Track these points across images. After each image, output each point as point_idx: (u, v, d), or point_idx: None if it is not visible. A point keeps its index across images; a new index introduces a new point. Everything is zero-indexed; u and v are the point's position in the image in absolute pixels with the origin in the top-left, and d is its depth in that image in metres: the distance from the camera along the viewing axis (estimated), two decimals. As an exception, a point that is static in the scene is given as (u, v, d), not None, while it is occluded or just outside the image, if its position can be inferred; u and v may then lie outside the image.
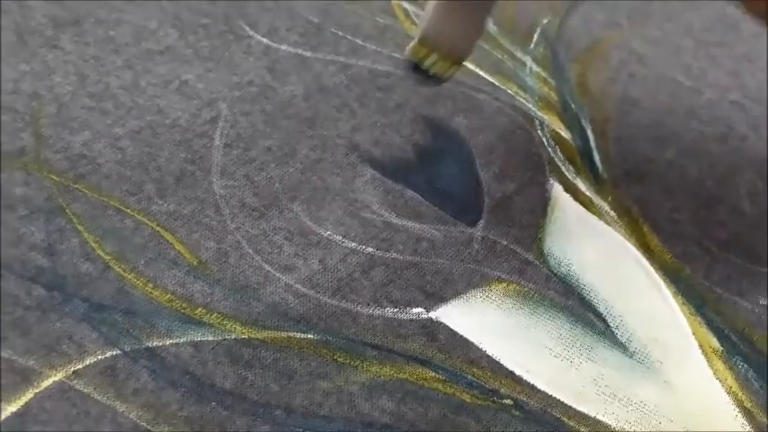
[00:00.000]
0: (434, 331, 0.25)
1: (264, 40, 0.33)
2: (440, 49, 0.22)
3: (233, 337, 0.24)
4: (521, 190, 0.28)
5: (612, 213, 0.28)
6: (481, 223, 0.27)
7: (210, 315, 0.24)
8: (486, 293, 0.26)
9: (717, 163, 0.30)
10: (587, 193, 0.29)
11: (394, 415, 0.23)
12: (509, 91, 0.32)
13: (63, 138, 0.28)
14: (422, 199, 0.28)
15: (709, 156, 0.30)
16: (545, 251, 0.27)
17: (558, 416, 0.23)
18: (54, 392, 0.23)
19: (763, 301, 0.26)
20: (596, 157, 0.30)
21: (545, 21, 0.34)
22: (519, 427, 0.23)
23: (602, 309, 0.26)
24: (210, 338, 0.24)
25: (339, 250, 0.26)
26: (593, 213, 0.28)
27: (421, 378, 0.24)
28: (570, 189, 0.29)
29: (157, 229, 0.26)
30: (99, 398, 0.23)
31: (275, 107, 0.30)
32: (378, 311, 0.25)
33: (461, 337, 0.25)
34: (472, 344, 0.24)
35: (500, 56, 0.33)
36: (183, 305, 0.25)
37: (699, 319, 0.26)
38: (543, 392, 0.24)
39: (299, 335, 0.24)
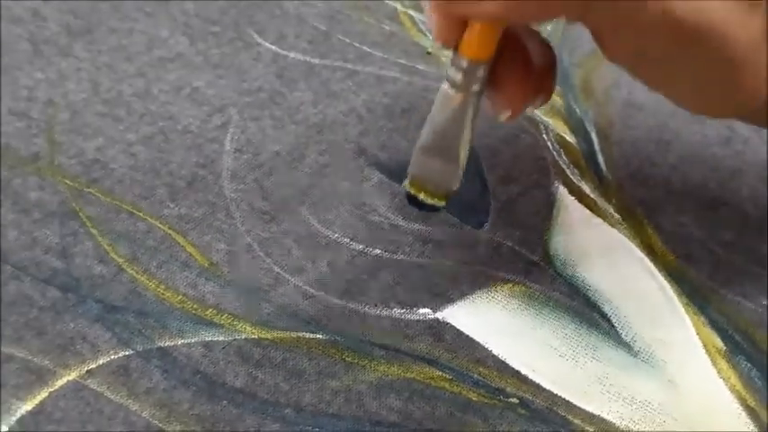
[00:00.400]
0: (441, 331, 0.25)
1: (273, 47, 0.33)
2: (426, 189, 0.25)
3: (243, 337, 0.25)
4: (526, 192, 0.29)
5: (617, 215, 0.28)
6: (487, 225, 0.28)
7: (221, 316, 0.25)
8: (492, 294, 0.26)
9: (720, 165, 0.30)
10: (592, 196, 0.29)
11: (401, 413, 0.23)
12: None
13: (76, 143, 0.29)
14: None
15: (712, 158, 0.30)
16: (550, 253, 0.27)
17: (564, 414, 0.24)
18: (68, 391, 0.23)
19: (765, 302, 0.26)
20: (601, 161, 0.30)
21: (548, 26, 0.34)
22: (524, 425, 0.23)
23: (606, 309, 0.26)
24: (221, 339, 0.24)
25: (347, 252, 0.27)
26: (598, 215, 0.28)
27: (428, 377, 0.24)
28: (575, 192, 0.29)
29: (169, 231, 0.27)
30: (112, 397, 0.23)
31: (284, 113, 0.31)
32: (385, 312, 0.25)
33: (467, 337, 0.25)
34: (478, 344, 0.25)
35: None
36: (195, 306, 0.25)
37: (702, 319, 0.26)
38: (548, 391, 0.24)
39: (308, 335, 0.25)
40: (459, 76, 0.22)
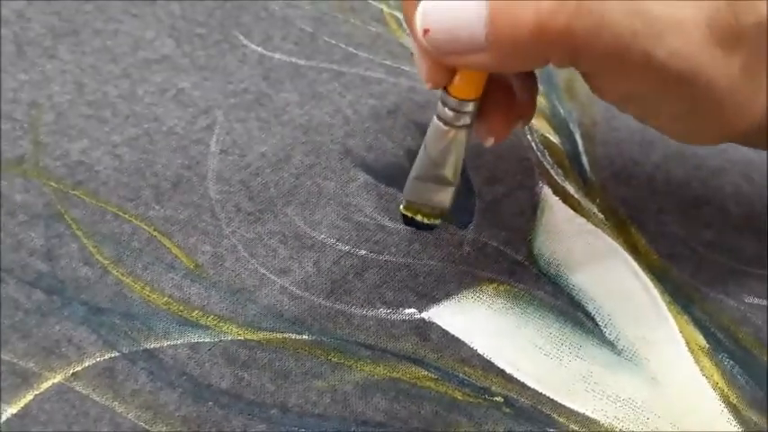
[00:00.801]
0: (427, 331, 0.25)
1: (259, 48, 0.33)
2: (422, 212, 0.26)
3: (229, 338, 0.25)
4: (511, 193, 0.29)
5: (600, 215, 0.29)
6: (472, 226, 0.28)
7: (207, 317, 0.25)
8: (478, 294, 0.26)
9: (702, 165, 0.31)
10: (576, 196, 0.29)
11: (387, 413, 0.23)
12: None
13: (61, 145, 0.29)
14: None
15: (694, 158, 0.31)
16: (535, 252, 0.27)
17: (548, 412, 0.24)
18: (53, 394, 0.23)
19: (748, 299, 0.27)
20: (584, 161, 0.30)
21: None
22: (510, 423, 0.23)
23: (590, 308, 0.26)
24: (207, 340, 0.24)
25: (333, 253, 0.27)
26: (582, 215, 0.29)
27: (414, 377, 0.24)
28: (559, 192, 0.29)
29: (154, 233, 0.27)
30: (98, 399, 0.23)
31: (270, 114, 0.31)
32: (371, 312, 0.26)
33: (453, 336, 0.25)
34: (464, 343, 0.25)
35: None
36: (180, 308, 0.25)
37: (685, 317, 0.26)
38: (533, 390, 0.24)
39: (294, 336, 0.25)
40: (449, 113, 0.23)
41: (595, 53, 0.20)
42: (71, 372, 0.23)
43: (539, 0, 0.19)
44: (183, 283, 0.26)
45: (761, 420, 0.24)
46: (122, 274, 0.26)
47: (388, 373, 0.24)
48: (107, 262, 0.26)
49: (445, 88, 0.23)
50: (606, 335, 0.26)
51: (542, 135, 0.31)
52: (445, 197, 0.26)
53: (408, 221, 0.27)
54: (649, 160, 0.31)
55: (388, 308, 0.26)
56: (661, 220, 0.29)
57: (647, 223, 0.28)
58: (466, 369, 0.24)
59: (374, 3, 0.36)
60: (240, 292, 0.26)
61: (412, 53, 0.23)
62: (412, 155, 0.30)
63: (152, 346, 0.24)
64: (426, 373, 0.24)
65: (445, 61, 0.21)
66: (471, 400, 0.24)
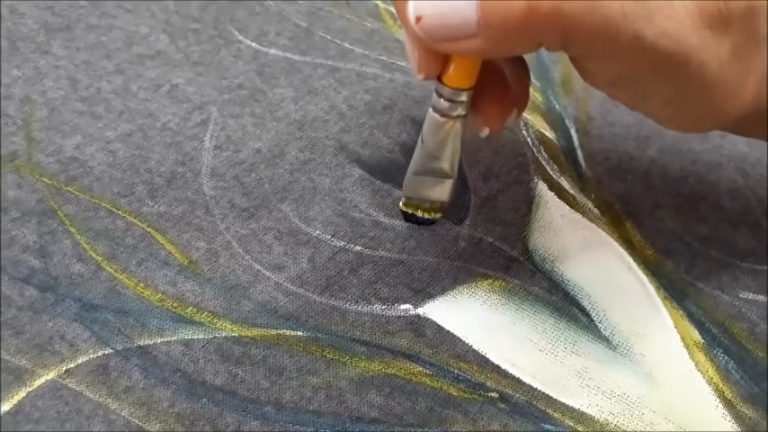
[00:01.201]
0: (422, 327, 0.25)
1: (254, 44, 0.33)
2: (421, 207, 0.26)
3: (223, 334, 0.24)
4: (506, 189, 0.29)
5: (596, 210, 0.29)
6: (467, 221, 0.28)
7: (201, 314, 0.25)
8: (473, 290, 0.26)
9: (698, 159, 0.31)
10: (571, 191, 0.29)
11: (382, 409, 0.23)
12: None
13: (55, 141, 0.29)
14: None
15: (690, 153, 0.31)
16: (530, 248, 0.27)
17: (543, 408, 0.24)
18: (47, 391, 0.23)
19: (743, 294, 0.27)
20: (580, 156, 0.30)
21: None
22: (505, 419, 0.23)
23: (585, 303, 0.26)
24: (201, 336, 0.24)
25: (328, 249, 0.27)
26: (577, 211, 0.28)
27: (409, 373, 0.24)
28: (554, 187, 0.29)
29: (148, 229, 0.27)
30: (91, 396, 0.23)
31: (264, 110, 0.31)
32: (366, 308, 0.25)
33: (448, 332, 0.25)
34: (459, 339, 0.25)
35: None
36: (174, 304, 0.25)
37: (680, 312, 0.26)
38: (528, 385, 0.24)
39: (288, 332, 0.25)
40: (444, 104, 0.23)
41: (585, 35, 0.20)
42: (64, 369, 0.23)
43: None
44: (177, 279, 0.26)
45: (755, 415, 0.24)
46: (116, 271, 0.26)
47: (383, 370, 0.24)
48: (100, 258, 0.26)
49: (439, 78, 0.23)
50: (601, 330, 0.25)
51: (538, 130, 0.31)
52: (444, 190, 0.25)
53: (408, 218, 0.27)
54: (645, 155, 0.30)
55: (383, 304, 0.26)
56: (656, 216, 0.29)
57: (643, 218, 0.28)
58: (461, 365, 0.24)
59: (369, -2, 0.35)
60: (234, 288, 0.26)
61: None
62: (407, 150, 0.30)
63: (146, 343, 0.24)
64: (421, 368, 0.24)
65: (438, 48, 0.21)
66: (466, 395, 0.24)
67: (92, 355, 0.24)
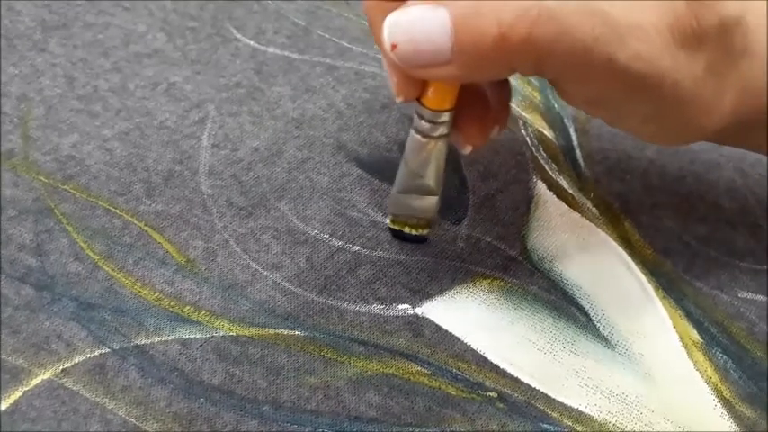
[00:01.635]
0: (420, 327, 0.25)
1: (252, 42, 0.33)
2: (409, 224, 0.26)
3: (221, 334, 0.24)
4: (505, 188, 0.29)
5: (594, 210, 0.29)
6: (466, 221, 0.28)
7: (199, 313, 0.25)
8: (471, 289, 0.26)
9: (696, 159, 0.31)
10: (570, 191, 0.29)
11: (380, 409, 0.23)
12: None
13: (52, 140, 0.29)
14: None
15: (688, 152, 0.31)
16: (528, 247, 0.27)
17: (542, 407, 0.24)
18: (43, 390, 0.23)
19: (741, 294, 0.27)
20: (579, 156, 0.30)
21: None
22: (503, 418, 0.23)
23: (584, 303, 0.26)
24: (199, 336, 0.24)
25: (326, 248, 0.27)
26: (576, 210, 0.28)
27: (407, 372, 0.24)
28: (553, 187, 0.29)
29: (145, 228, 0.27)
30: (88, 395, 0.23)
31: (262, 108, 0.31)
32: (364, 308, 0.25)
33: (446, 331, 0.25)
34: (457, 338, 0.25)
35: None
36: (172, 303, 0.25)
37: (679, 311, 0.26)
38: (527, 385, 0.24)
39: (286, 331, 0.25)
40: (425, 125, 0.24)
41: (558, 60, 0.20)
42: (61, 368, 0.23)
43: (500, 11, 0.19)
44: (175, 278, 0.25)
45: (754, 415, 0.24)
46: (113, 270, 0.25)
47: (382, 369, 0.24)
48: (97, 257, 0.26)
49: (419, 100, 0.23)
50: (600, 330, 0.25)
51: (537, 130, 0.31)
52: (430, 206, 0.26)
53: (397, 234, 0.27)
54: (643, 155, 0.30)
55: (382, 304, 0.26)
56: (655, 215, 0.29)
57: (641, 218, 0.28)
58: (459, 364, 0.24)
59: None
60: (232, 287, 0.25)
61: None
62: (405, 149, 0.30)
63: (143, 342, 0.24)
64: (420, 368, 0.24)
65: (414, 74, 0.22)
66: (465, 395, 0.24)
67: (89, 355, 0.24)
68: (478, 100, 0.24)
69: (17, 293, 0.25)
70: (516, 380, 0.24)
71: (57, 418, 0.22)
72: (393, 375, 0.24)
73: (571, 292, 0.26)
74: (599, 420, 0.23)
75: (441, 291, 0.26)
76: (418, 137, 0.24)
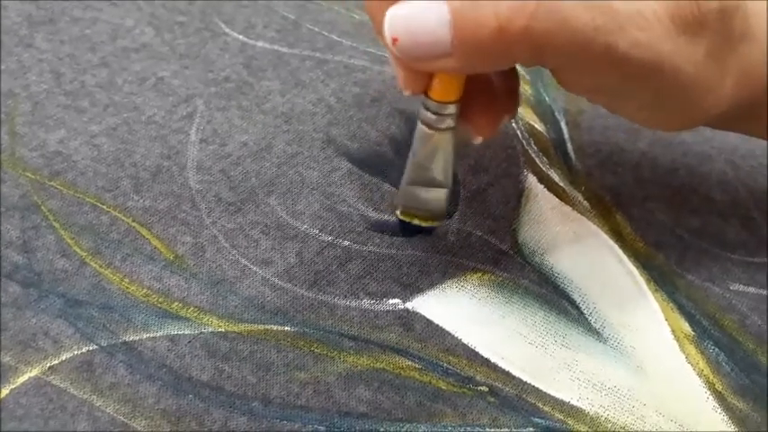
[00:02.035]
0: (411, 321, 0.25)
1: (241, 36, 0.33)
2: (418, 215, 0.26)
3: (210, 330, 0.24)
4: (495, 182, 0.29)
5: (586, 203, 0.28)
6: (456, 215, 0.28)
7: (187, 309, 0.25)
8: (462, 283, 0.26)
9: (689, 152, 0.30)
10: (561, 184, 0.29)
11: (371, 404, 0.23)
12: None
13: (38, 135, 0.28)
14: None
15: (681, 145, 0.31)
16: (519, 241, 0.27)
17: (533, 401, 0.24)
18: (30, 388, 0.23)
19: (733, 287, 0.27)
20: (570, 149, 0.30)
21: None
22: (494, 412, 0.23)
23: (575, 296, 0.26)
24: (187, 332, 0.24)
25: (316, 243, 0.27)
26: (567, 203, 0.28)
27: (397, 367, 0.24)
28: (544, 180, 0.29)
29: (133, 224, 0.26)
30: (75, 393, 0.23)
31: (251, 103, 0.30)
32: (354, 303, 0.25)
33: (437, 326, 0.25)
34: (448, 333, 0.25)
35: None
36: (160, 299, 0.25)
37: (671, 304, 0.26)
38: (518, 379, 0.24)
39: (275, 327, 0.24)
40: (431, 117, 0.23)
41: (558, 50, 0.20)
42: (48, 365, 0.23)
43: (498, 3, 0.19)
44: (163, 274, 0.25)
45: (746, 407, 0.24)
46: (100, 266, 0.25)
47: (372, 364, 0.24)
48: (85, 254, 0.25)
49: (425, 92, 0.23)
50: (591, 323, 0.25)
51: (527, 123, 0.31)
52: (438, 198, 0.25)
53: (406, 226, 0.26)
54: (635, 147, 0.30)
55: (372, 298, 0.25)
56: (647, 208, 0.28)
57: (633, 211, 0.28)
58: (450, 359, 0.24)
59: (357, -10, 0.35)
60: (221, 283, 0.25)
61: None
62: (396, 143, 0.29)
63: (131, 339, 0.24)
64: (410, 363, 0.24)
65: (417, 67, 0.22)
66: (456, 389, 0.24)
67: (76, 352, 0.23)
68: (486, 90, 0.24)
69: (4, 291, 0.24)
70: (507, 374, 0.24)
71: (44, 416, 0.22)
72: (384, 370, 0.24)
73: (562, 285, 0.26)
74: (591, 414, 0.23)
75: (431, 285, 0.26)
76: (425, 128, 0.24)
